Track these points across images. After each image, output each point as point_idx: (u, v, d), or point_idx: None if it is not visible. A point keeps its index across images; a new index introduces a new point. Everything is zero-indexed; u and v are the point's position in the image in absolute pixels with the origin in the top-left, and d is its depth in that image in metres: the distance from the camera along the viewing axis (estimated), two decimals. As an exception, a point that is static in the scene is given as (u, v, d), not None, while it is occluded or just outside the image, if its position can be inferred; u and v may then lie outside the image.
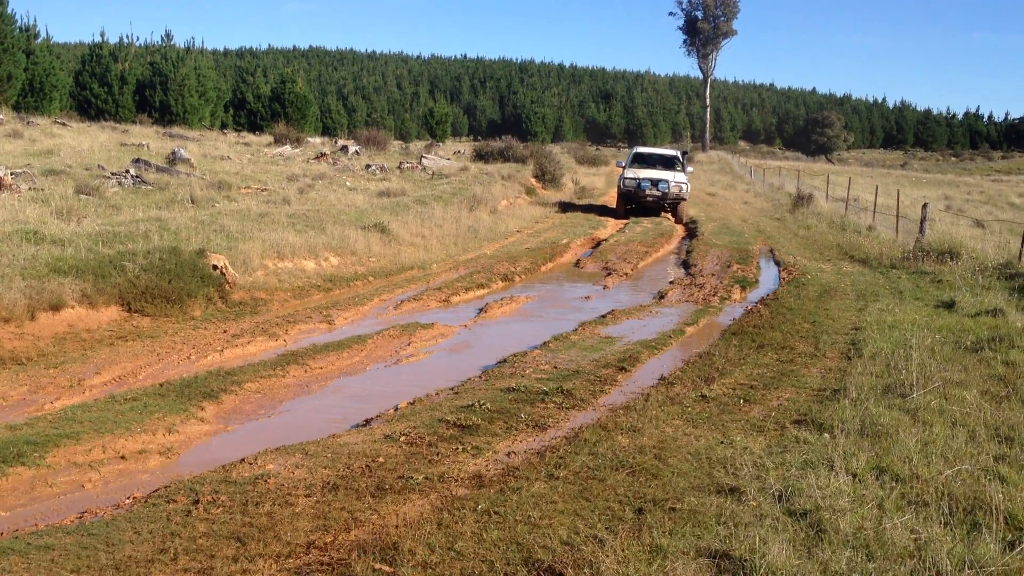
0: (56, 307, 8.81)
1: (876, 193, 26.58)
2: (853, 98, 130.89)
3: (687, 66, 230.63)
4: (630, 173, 24.08)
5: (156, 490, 5.05)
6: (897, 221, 22.24)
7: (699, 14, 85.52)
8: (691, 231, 22.53)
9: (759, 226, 23.89)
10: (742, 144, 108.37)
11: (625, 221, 23.35)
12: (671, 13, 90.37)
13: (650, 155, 26.00)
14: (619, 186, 24.23)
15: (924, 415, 6.38)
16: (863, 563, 4.02)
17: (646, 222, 23.19)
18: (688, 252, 18.41)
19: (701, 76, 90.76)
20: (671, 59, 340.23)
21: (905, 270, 15.59)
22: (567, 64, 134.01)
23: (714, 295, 12.68)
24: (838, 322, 10.58)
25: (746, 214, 27.81)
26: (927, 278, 14.43)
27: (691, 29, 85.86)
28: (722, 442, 5.93)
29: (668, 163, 25.21)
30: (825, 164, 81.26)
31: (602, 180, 38.25)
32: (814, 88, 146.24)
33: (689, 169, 25.54)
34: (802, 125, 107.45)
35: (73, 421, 6.19)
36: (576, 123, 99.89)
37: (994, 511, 4.63)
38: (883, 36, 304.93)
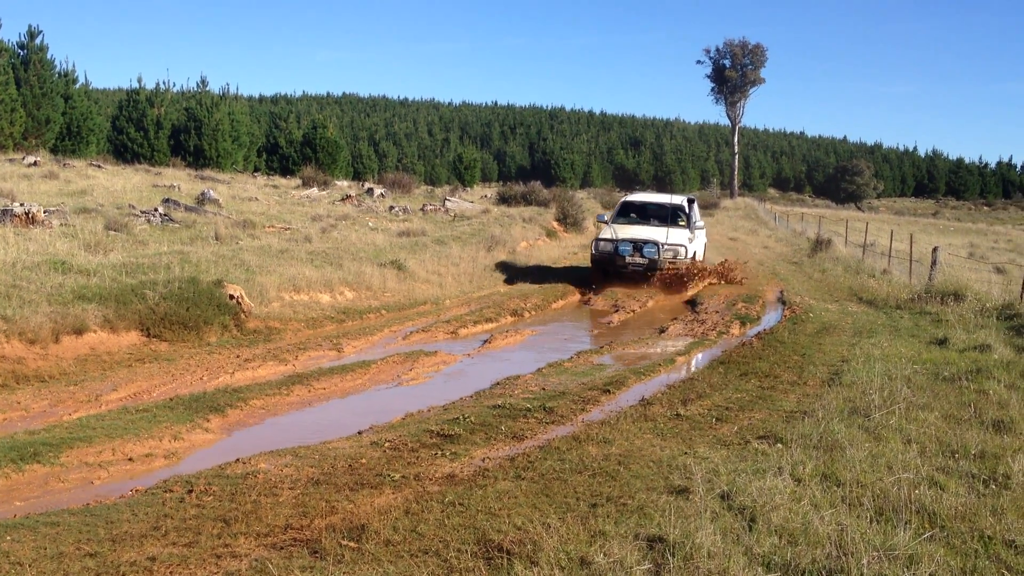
0: (79, 331, 9.40)
1: (891, 238, 26.84)
2: (884, 147, 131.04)
3: (716, 113, 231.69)
4: (607, 232, 18.13)
5: (156, 484, 5.54)
6: (910, 265, 22.50)
7: (727, 62, 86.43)
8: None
9: (774, 269, 24.21)
10: (772, 191, 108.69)
11: None
12: (699, 61, 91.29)
13: (643, 205, 20.01)
14: (592, 250, 18.08)
15: (881, 432, 6.75)
16: (784, 547, 4.42)
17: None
18: (698, 291, 18.84)
19: (729, 123, 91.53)
20: (700, 107, 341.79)
21: (909, 310, 15.87)
22: (597, 111, 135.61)
23: (713, 330, 13.07)
24: (828, 355, 10.92)
25: (764, 257, 28.15)
26: (928, 318, 14.71)
27: (719, 77, 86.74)
28: (685, 453, 6.33)
29: (666, 216, 19.14)
30: (853, 212, 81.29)
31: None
32: (845, 136, 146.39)
33: (699, 224, 19.46)
34: (832, 173, 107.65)
35: (87, 428, 6.73)
36: (605, 169, 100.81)
37: (921, 511, 5.01)
38: (914, 85, 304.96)
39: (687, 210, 19.35)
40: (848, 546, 4.43)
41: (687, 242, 17.82)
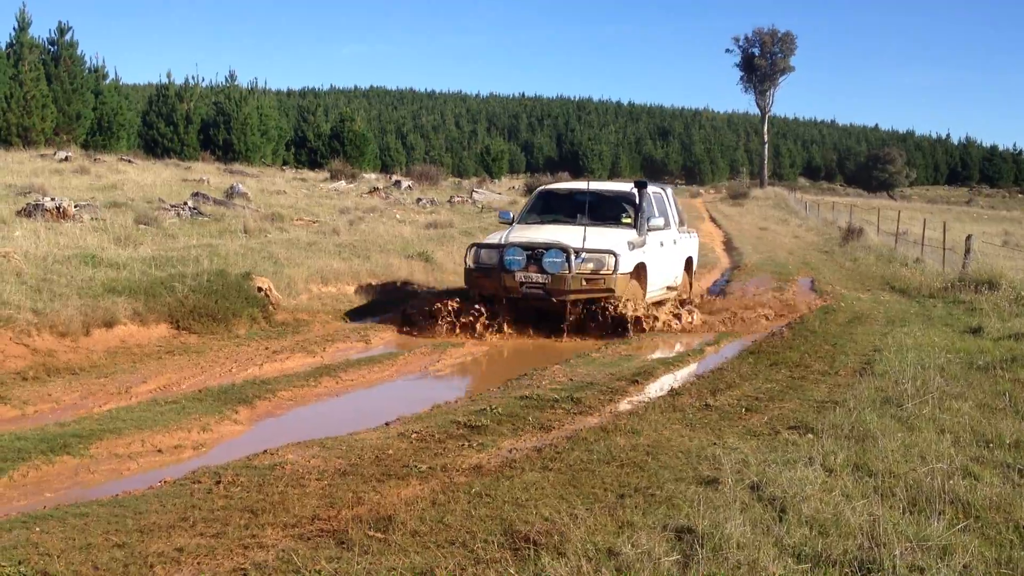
0: (109, 324, 9.49)
1: (924, 227, 26.47)
2: (916, 134, 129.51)
3: (745, 103, 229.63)
4: (496, 236, 12.19)
5: (184, 475, 5.57)
6: (944, 253, 22.21)
7: (756, 51, 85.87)
8: (736, 262, 22.79)
9: (805, 258, 24.00)
10: (802, 180, 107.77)
11: None
12: (728, 50, 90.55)
13: (570, 195, 13.32)
14: (466, 263, 11.98)
15: (914, 422, 6.64)
16: (815, 538, 4.35)
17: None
18: (728, 282, 18.73)
19: (759, 113, 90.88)
20: (729, 96, 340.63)
21: (942, 299, 15.65)
22: (625, 102, 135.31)
23: (742, 320, 12.94)
24: (860, 344, 10.78)
25: (794, 247, 27.93)
26: (962, 306, 14.49)
27: (748, 66, 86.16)
28: (714, 443, 6.27)
29: (603, 212, 12.70)
30: (885, 200, 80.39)
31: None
32: (876, 124, 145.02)
33: (662, 222, 12.95)
34: (863, 161, 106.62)
35: (117, 420, 6.78)
36: (633, 160, 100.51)
37: (955, 501, 4.92)
38: (947, 72, 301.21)
39: (636, 201, 12.60)
40: (880, 537, 4.35)
41: (625, 249, 11.54)
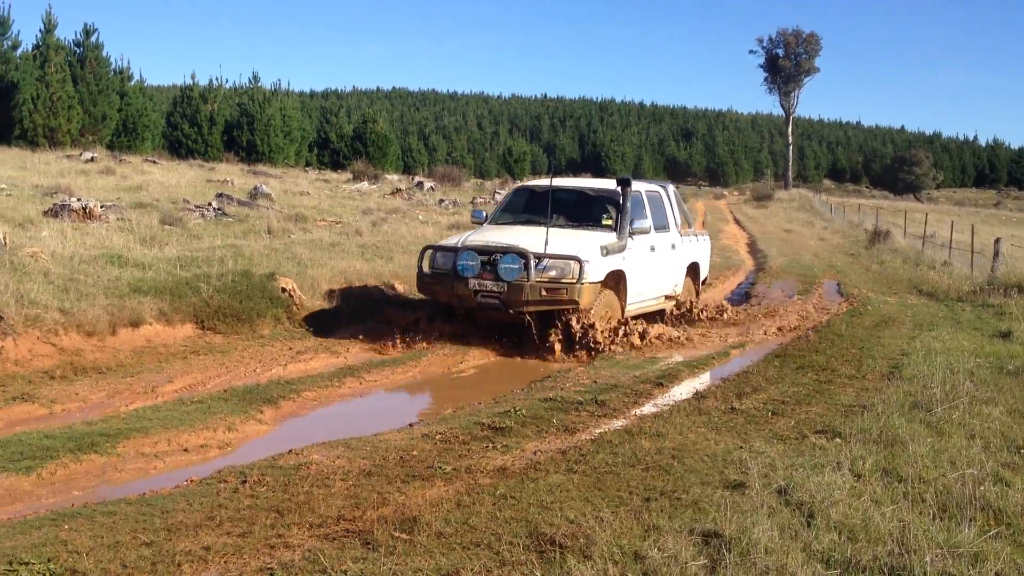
0: (135, 323, 9.54)
1: (951, 229, 26.24)
2: (943, 136, 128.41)
3: (769, 104, 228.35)
4: (455, 238, 11.23)
5: (211, 474, 5.59)
6: (972, 257, 22.01)
7: (780, 52, 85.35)
8: (760, 264, 22.66)
9: (831, 261, 23.83)
10: (827, 182, 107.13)
11: None
12: (752, 51, 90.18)
13: (548, 194, 11.12)
14: (419, 267, 10.88)
15: (943, 427, 6.58)
16: (844, 544, 4.31)
17: (715, 255, 23.32)
18: (752, 284, 18.62)
19: (783, 114, 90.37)
20: (753, 97, 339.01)
21: (971, 303, 15.52)
22: (647, 103, 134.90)
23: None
24: (887, 348, 10.68)
25: (820, 249, 27.73)
26: (991, 310, 14.36)
27: (772, 67, 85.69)
28: (740, 447, 6.22)
29: (582, 212, 11.56)
30: (912, 203, 79.69)
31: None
32: (902, 126, 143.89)
33: (652, 224, 11.80)
34: (889, 163, 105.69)
35: (143, 419, 6.82)
36: (656, 161, 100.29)
37: (985, 508, 4.86)
38: (974, 73, 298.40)
39: (619, 201, 11.25)
40: (910, 543, 4.30)
41: (595, 254, 10.27)
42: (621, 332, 10.53)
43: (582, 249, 10.22)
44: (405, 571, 4.03)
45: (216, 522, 4.64)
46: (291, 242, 15.09)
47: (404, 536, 4.42)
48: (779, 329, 12.26)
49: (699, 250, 13.72)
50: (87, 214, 14.21)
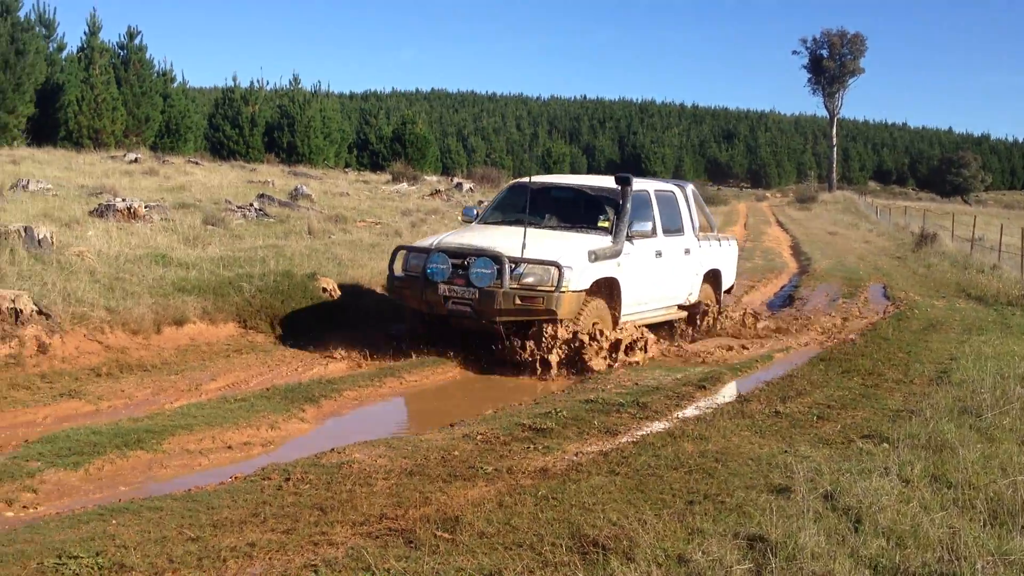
0: (179, 322, 9.66)
1: (1001, 232, 25.77)
2: (992, 138, 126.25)
3: (813, 105, 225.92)
4: (431, 239, 10.30)
5: (255, 472, 5.63)
6: (1022, 260, 21.62)
7: (824, 52, 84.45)
8: (804, 267, 22.41)
9: (876, 264, 23.50)
10: (872, 184, 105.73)
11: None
12: (795, 52, 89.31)
13: (544, 191, 10.97)
14: (390, 269, 10.27)
15: (994, 433, 6.46)
16: (892, 550, 4.23)
17: (753, 261, 23.18)
18: (795, 287, 18.41)
19: (827, 115, 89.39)
20: (796, 98, 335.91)
21: (1021, 307, 15.23)
22: (688, 104, 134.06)
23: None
24: (935, 352, 10.51)
25: (865, 252, 27.36)
26: (1042, 314, 14.08)
27: (816, 68, 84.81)
28: (785, 451, 6.14)
29: (580, 212, 10.72)
30: (960, 205, 78.42)
31: (719, 220, 38.02)
32: (950, 127, 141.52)
33: (682, 226, 11.47)
34: (936, 165, 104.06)
35: (188, 416, 6.89)
36: (697, 163, 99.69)
37: (1040, 515, 4.75)
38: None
39: (620, 201, 10.29)
40: (960, 550, 4.22)
41: (579, 260, 9.38)
42: (615, 345, 9.48)
43: (564, 254, 9.33)
44: (448, 570, 4.02)
45: (260, 519, 4.68)
46: (331, 243, 15.18)
47: (446, 535, 4.42)
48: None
49: (721, 256, 12.61)
50: (132, 214, 14.40)
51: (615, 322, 9.89)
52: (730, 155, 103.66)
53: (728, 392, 8.40)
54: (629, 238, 10.05)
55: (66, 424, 6.66)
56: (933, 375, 9.13)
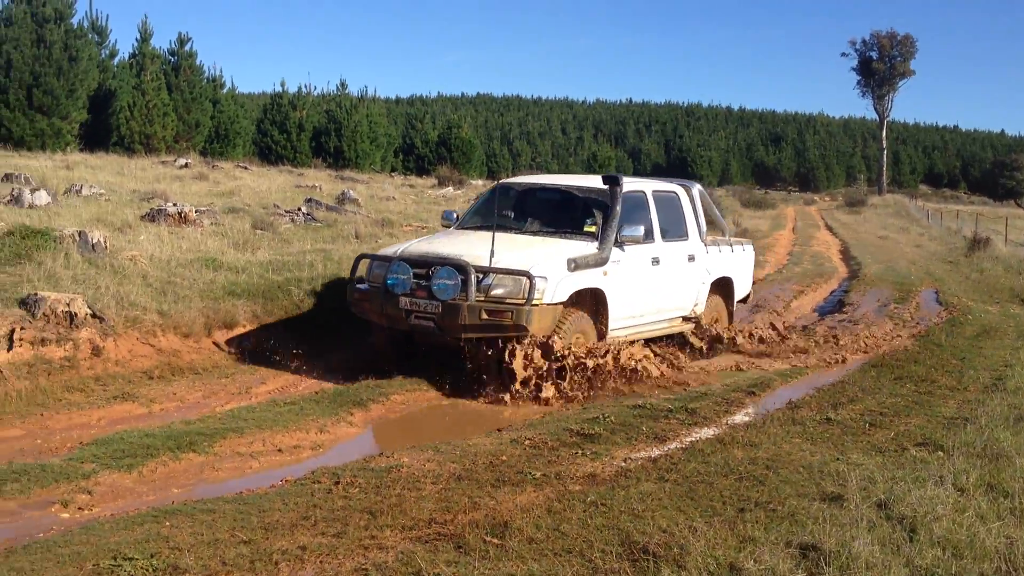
0: (230, 325, 9.79)
1: (1056, 235, 25.19)
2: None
3: (862, 107, 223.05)
4: (393, 248, 9.49)
5: (305, 475, 5.68)
6: (1078, 264, 21.15)
7: (874, 54, 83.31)
8: (854, 272, 22.08)
9: (928, 268, 23.07)
10: (923, 188, 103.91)
11: (782, 264, 22.88)
12: (844, 54, 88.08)
13: (530, 193, 10.38)
14: (351, 277, 9.46)
15: (1053, 441, 6.30)
16: (949, 560, 4.15)
17: (801, 265, 22.91)
18: (845, 292, 18.14)
19: (876, 118, 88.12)
20: (845, 101, 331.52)
21: (1078, 312, 14.87)
22: (735, 107, 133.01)
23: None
24: (990, 359, 10.31)
25: (916, 257, 26.89)
26: (1100, 321, 13.73)
27: (865, 70, 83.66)
28: (837, 458, 6.06)
29: (568, 215, 9.71)
30: (1014, 209, 76.79)
31: (766, 223, 37.89)
32: (1002, 130, 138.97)
33: (686, 231, 10.55)
34: (989, 168, 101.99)
35: (239, 419, 6.98)
36: (744, 166, 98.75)
37: (1103, 527, 4.63)
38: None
39: (610, 203, 9.36)
40: (1018, 560, 4.14)
41: (557, 270, 8.48)
42: (602, 363, 8.42)
43: (538, 263, 8.41)
44: (498, 575, 4.02)
45: (311, 522, 4.72)
46: (378, 246, 15.27)
47: (496, 541, 4.42)
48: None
49: (732, 262, 11.46)
50: (182, 219, 14.60)
51: (601, 337, 8.96)
52: (778, 158, 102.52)
53: (778, 398, 8.29)
54: (619, 244, 9.16)
55: (119, 426, 6.77)
56: (988, 382, 8.95)
